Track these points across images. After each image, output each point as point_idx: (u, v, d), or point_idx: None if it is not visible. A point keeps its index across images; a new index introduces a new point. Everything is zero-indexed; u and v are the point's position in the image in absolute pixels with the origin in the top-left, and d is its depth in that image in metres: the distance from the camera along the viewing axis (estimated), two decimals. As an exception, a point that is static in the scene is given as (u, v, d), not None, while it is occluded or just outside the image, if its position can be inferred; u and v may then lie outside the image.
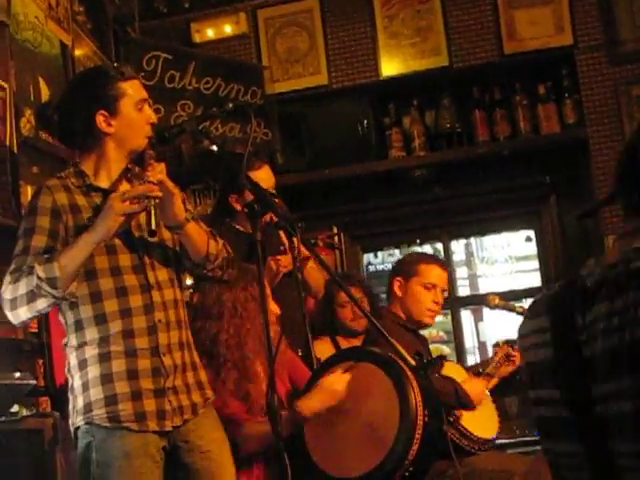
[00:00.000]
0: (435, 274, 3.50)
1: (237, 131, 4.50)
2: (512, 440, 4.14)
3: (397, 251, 5.68)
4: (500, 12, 4.67)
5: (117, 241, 2.34)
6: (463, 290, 5.74)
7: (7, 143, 3.04)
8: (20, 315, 2.26)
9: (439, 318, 4.21)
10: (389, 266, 5.59)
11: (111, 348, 2.31)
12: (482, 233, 5.65)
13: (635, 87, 4.53)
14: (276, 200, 2.84)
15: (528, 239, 5.33)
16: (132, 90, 2.42)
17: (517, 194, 4.91)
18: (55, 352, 3.08)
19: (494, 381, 3.47)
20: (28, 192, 3.03)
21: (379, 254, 5.77)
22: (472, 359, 5.50)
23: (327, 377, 2.78)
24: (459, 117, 4.81)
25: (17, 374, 2.63)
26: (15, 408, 2.73)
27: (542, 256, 5.02)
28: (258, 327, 2.69)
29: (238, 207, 3.42)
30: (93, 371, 2.30)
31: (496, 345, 3.64)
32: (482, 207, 4.98)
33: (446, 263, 4.02)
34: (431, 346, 4.07)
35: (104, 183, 2.41)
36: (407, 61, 4.76)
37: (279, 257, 3.30)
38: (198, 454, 2.38)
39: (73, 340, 2.35)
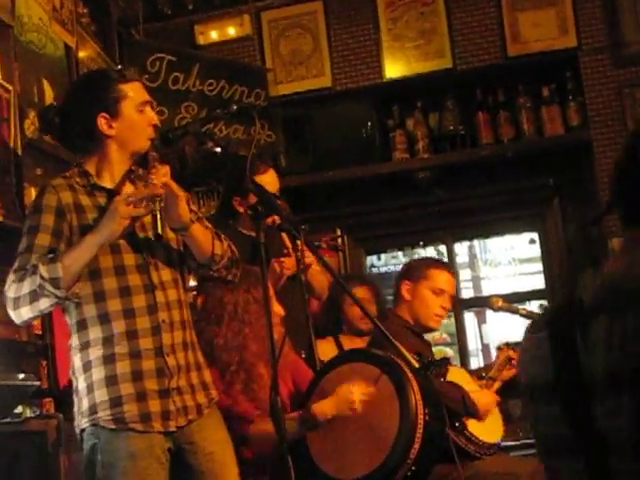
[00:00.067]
0: (444, 280, 3.50)
1: (241, 133, 4.50)
2: (516, 442, 4.12)
3: (400, 253, 5.68)
4: (504, 14, 4.67)
5: (121, 240, 2.34)
6: (467, 292, 5.74)
7: (11, 145, 3.05)
8: (22, 314, 2.27)
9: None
10: (392, 268, 5.60)
11: (115, 350, 2.30)
12: (486, 235, 5.65)
13: (639, 89, 4.52)
14: (279, 202, 2.85)
15: (532, 241, 5.33)
16: (133, 92, 2.42)
17: (521, 196, 4.90)
18: (59, 354, 3.08)
19: (497, 384, 3.46)
20: (32, 194, 3.03)
21: (382, 256, 5.77)
22: (475, 361, 5.50)
23: (346, 385, 2.77)
24: (463, 119, 4.81)
25: (21, 375, 2.64)
26: (19, 409, 2.73)
27: (546, 258, 5.01)
28: (261, 329, 2.68)
29: (241, 209, 3.42)
30: (97, 373, 2.30)
31: (499, 348, 3.64)
32: (486, 209, 4.97)
33: (454, 269, 4.01)
34: (434, 348, 4.07)
35: (107, 184, 2.41)
36: (411, 63, 4.76)
37: (283, 259, 3.30)
38: (202, 456, 2.37)
39: (77, 340, 2.35)
